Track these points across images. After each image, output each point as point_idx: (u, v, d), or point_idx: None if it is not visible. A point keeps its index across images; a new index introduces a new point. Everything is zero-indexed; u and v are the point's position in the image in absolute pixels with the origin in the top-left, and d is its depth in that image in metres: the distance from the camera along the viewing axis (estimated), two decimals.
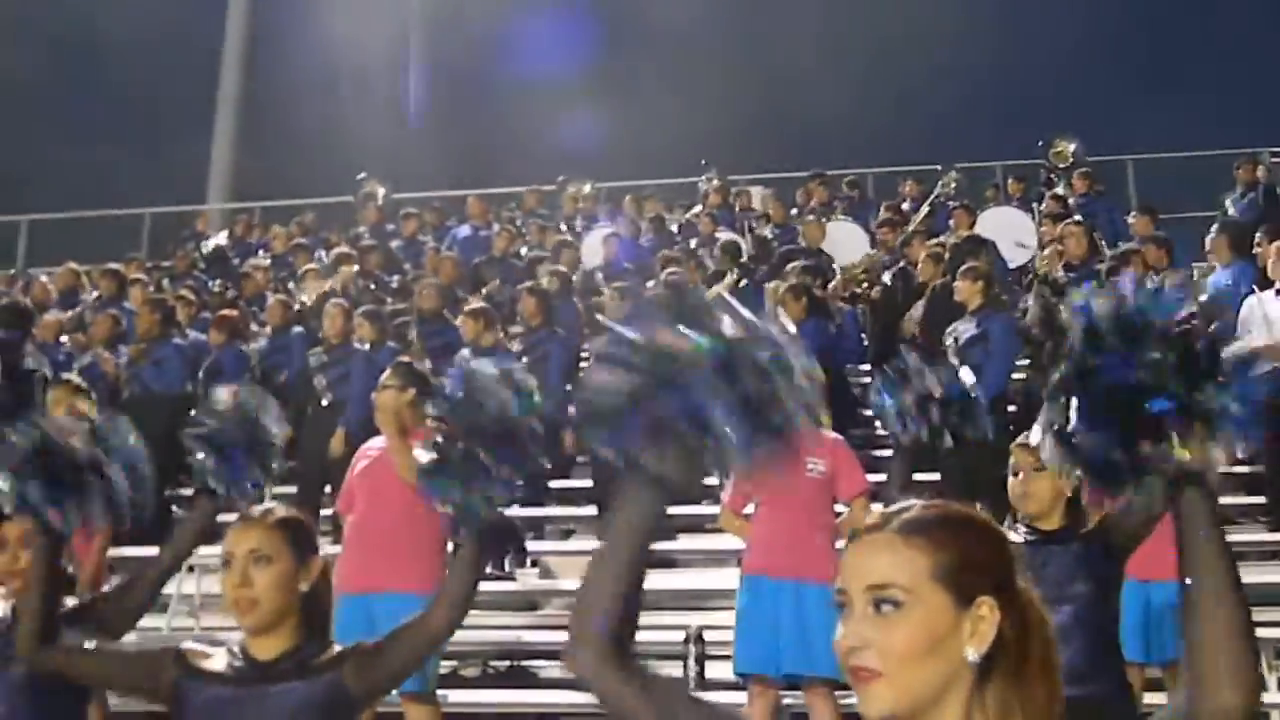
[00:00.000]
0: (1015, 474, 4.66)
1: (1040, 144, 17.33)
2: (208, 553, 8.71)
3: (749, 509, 6.86)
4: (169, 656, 3.21)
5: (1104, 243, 13.44)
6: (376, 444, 6.78)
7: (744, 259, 14.06)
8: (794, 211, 16.71)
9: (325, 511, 9.59)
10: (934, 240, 12.86)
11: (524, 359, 10.67)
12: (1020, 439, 4.73)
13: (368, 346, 10.35)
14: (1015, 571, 1.83)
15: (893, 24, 23.98)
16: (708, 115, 23.85)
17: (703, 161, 18.28)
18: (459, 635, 7.50)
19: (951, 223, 13.45)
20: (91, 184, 22.71)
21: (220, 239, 18.73)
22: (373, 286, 13.89)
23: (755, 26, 24.81)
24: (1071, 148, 16.92)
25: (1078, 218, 12.47)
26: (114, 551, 7.63)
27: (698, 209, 16.95)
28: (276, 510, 3.27)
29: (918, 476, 10.35)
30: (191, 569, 8.63)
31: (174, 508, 10.89)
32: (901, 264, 12.55)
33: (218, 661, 3.18)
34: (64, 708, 3.99)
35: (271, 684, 3.10)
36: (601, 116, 24.50)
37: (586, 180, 18.81)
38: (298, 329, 11.98)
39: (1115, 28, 24.84)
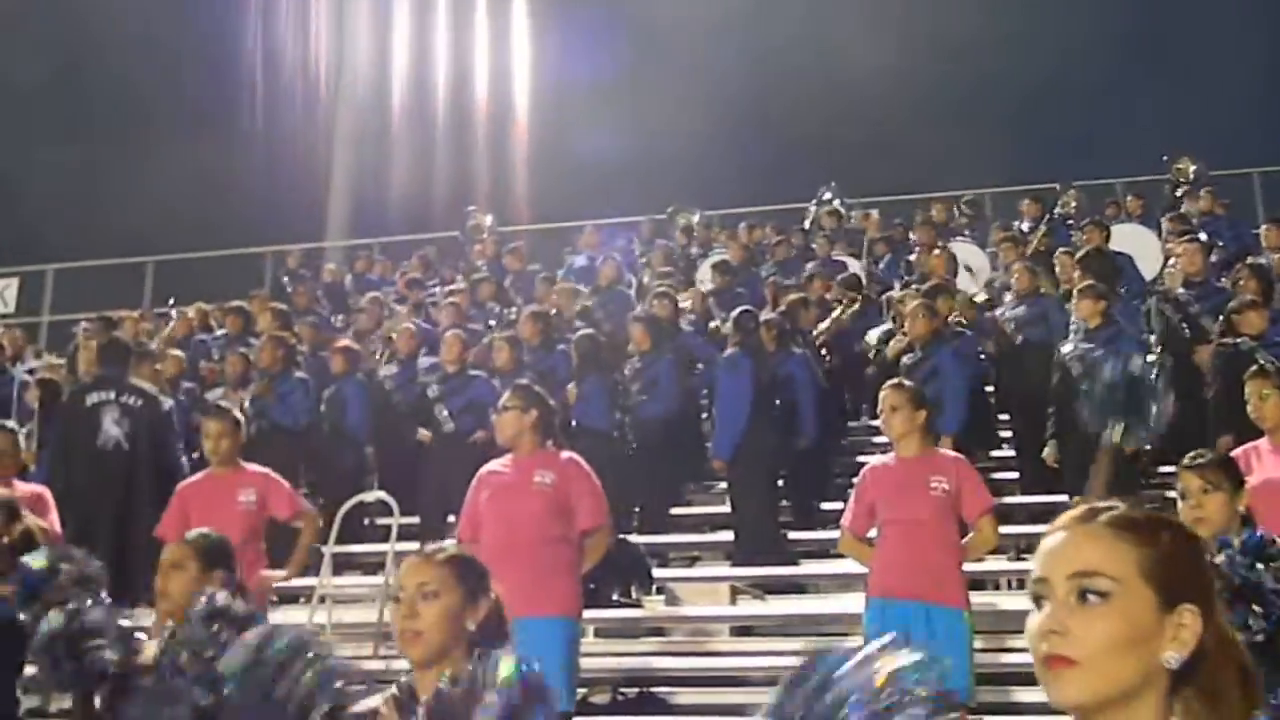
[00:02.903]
0: (1183, 498, 4.50)
1: (1164, 158, 17.13)
2: (341, 583, 8.87)
3: (871, 532, 6.73)
4: None
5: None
6: (497, 466, 6.75)
7: (864, 289, 13.94)
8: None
9: (449, 541, 9.66)
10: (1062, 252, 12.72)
11: (635, 385, 10.75)
12: (1186, 460, 4.56)
13: (496, 377, 10.46)
14: (1215, 588, 1.81)
15: (1007, 36, 23.73)
16: (818, 141, 23.75)
17: (831, 183, 18.28)
18: (589, 662, 7.60)
19: (1084, 237, 13.28)
20: (213, 225, 23.22)
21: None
22: (492, 323, 14.03)
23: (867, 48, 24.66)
24: (1193, 167, 16.70)
25: (1194, 235, 12.24)
26: None
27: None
28: (448, 548, 3.33)
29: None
30: (324, 599, 8.75)
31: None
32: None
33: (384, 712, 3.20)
34: None
35: None
36: (701, 141, 24.61)
37: (696, 209, 18.87)
38: (427, 357, 12.13)
39: (1234, 37, 24.33)
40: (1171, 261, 12.61)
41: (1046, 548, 1.81)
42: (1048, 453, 9.36)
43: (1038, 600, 1.78)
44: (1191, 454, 4.69)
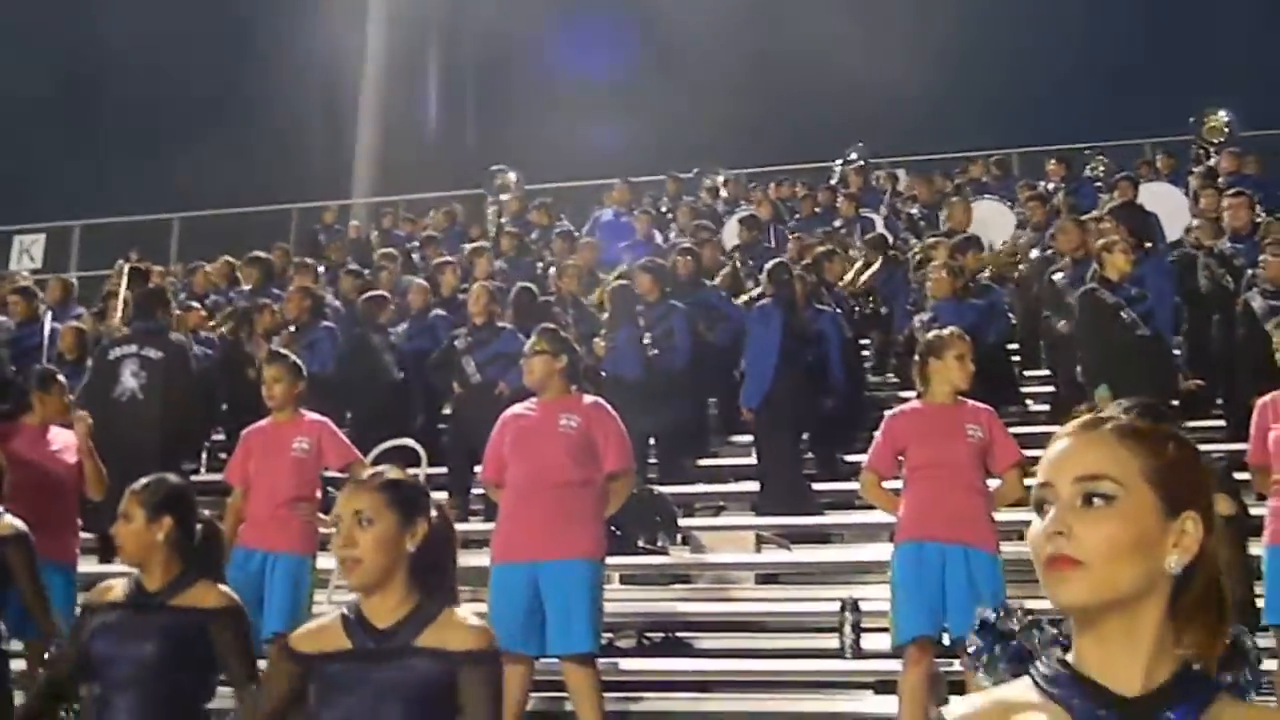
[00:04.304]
0: None
1: (1191, 120, 16.92)
2: None
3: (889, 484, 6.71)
4: (286, 660, 3.34)
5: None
6: (522, 410, 6.76)
7: (892, 249, 13.86)
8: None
9: (476, 491, 9.74)
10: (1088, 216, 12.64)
11: (648, 334, 10.72)
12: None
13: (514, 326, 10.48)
14: (1213, 501, 1.81)
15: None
16: (861, 97, 23.65)
17: (859, 144, 18.21)
18: (616, 607, 7.66)
19: (1116, 194, 13.21)
20: (239, 182, 23.28)
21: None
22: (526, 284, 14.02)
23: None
24: (1225, 118, 16.48)
25: (1240, 189, 12.15)
26: None
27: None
28: (386, 473, 3.35)
29: None
30: None
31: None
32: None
33: (333, 634, 3.28)
34: (193, 682, 4.11)
35: (390, 660, 3.19)
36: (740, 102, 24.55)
37: (721, 168, 18.84)
38: (438, 311, 12.21)
39: None
40: (1197, 220, 12.56)
41: (1052, 454, 1.81)
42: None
43: (1040, 507, 1.78)
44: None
